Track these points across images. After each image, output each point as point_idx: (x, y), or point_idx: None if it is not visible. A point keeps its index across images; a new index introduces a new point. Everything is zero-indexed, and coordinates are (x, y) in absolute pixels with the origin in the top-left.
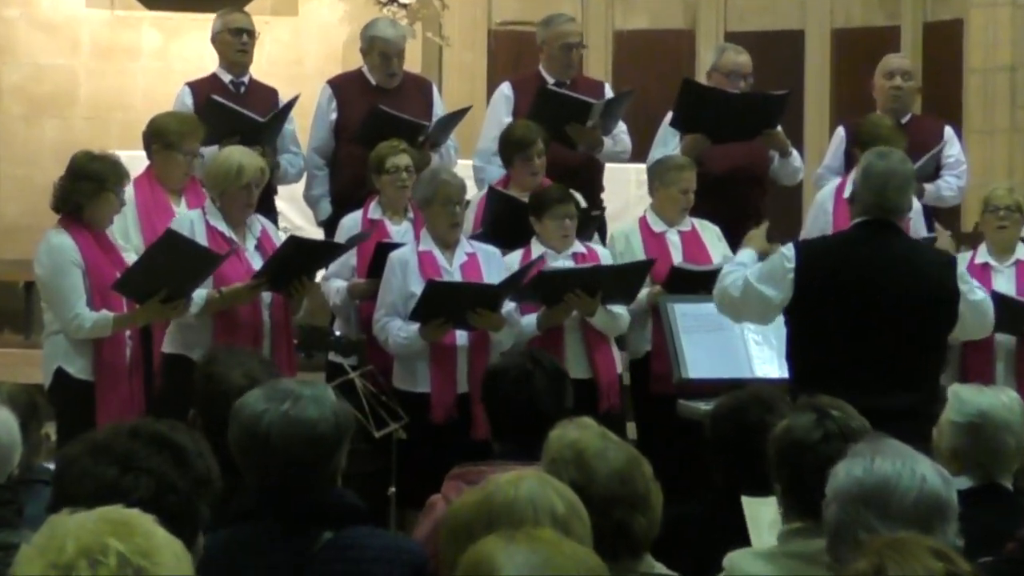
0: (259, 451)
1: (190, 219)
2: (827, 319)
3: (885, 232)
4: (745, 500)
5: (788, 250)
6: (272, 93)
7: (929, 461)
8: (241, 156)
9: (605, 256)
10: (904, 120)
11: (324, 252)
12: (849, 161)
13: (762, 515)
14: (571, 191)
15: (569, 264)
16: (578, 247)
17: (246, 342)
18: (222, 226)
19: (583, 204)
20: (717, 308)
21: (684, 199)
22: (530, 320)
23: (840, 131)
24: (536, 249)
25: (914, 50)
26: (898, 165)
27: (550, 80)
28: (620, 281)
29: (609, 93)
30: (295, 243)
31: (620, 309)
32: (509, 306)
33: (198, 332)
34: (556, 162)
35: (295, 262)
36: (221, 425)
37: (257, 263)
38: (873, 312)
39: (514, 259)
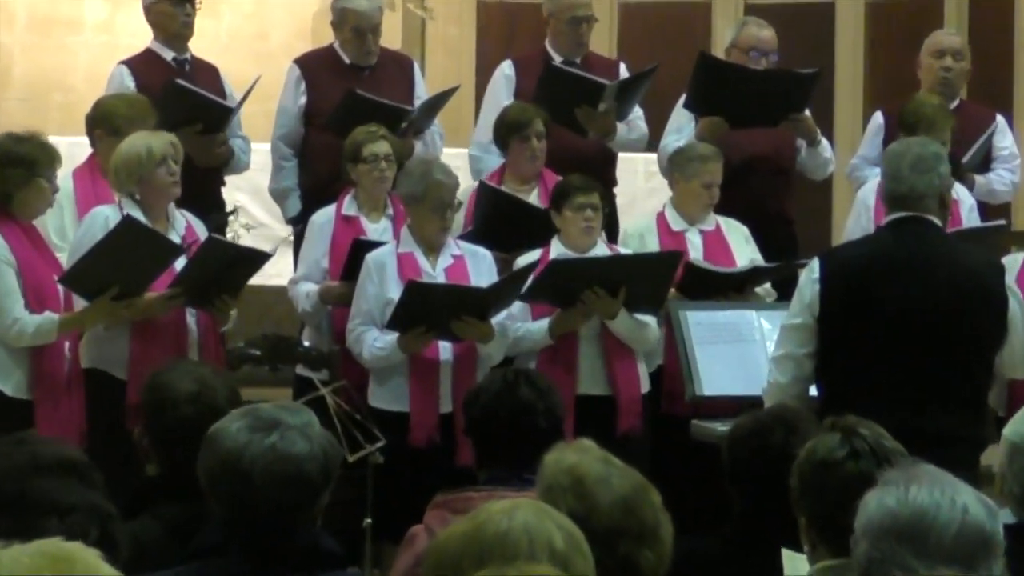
0: (237, 488)
1: (104, 215)
2: (857, 331)
3: (917, 230)
4: (786, 554)
5: (813, 262)
6: (214, 72)
7: (971, 489)
8: (145, 137)
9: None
10: (952, 106)
11: (249, 261)
12: None
13: (801, 571)
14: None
15: None
16: (602, 248)
17: (167, 353)
18: (143, 221)
19: None
20: (776, 395)
21: (708, 194)
22: (541, 326)
23: (878, 117)
24: (555, 249)
25: (959, 26)
26: (915, 145)
27: (557, 58)
28: (645, 277)
29: (625, 73)
30: (215, 247)
31: (647, 318)
32: (500, 316)
33: (112, 343)
34: (564, 151)
35: (218, 271)
36: (172, 439)
37: (181, 263)
38: (907, 322)
39: (532, 258)
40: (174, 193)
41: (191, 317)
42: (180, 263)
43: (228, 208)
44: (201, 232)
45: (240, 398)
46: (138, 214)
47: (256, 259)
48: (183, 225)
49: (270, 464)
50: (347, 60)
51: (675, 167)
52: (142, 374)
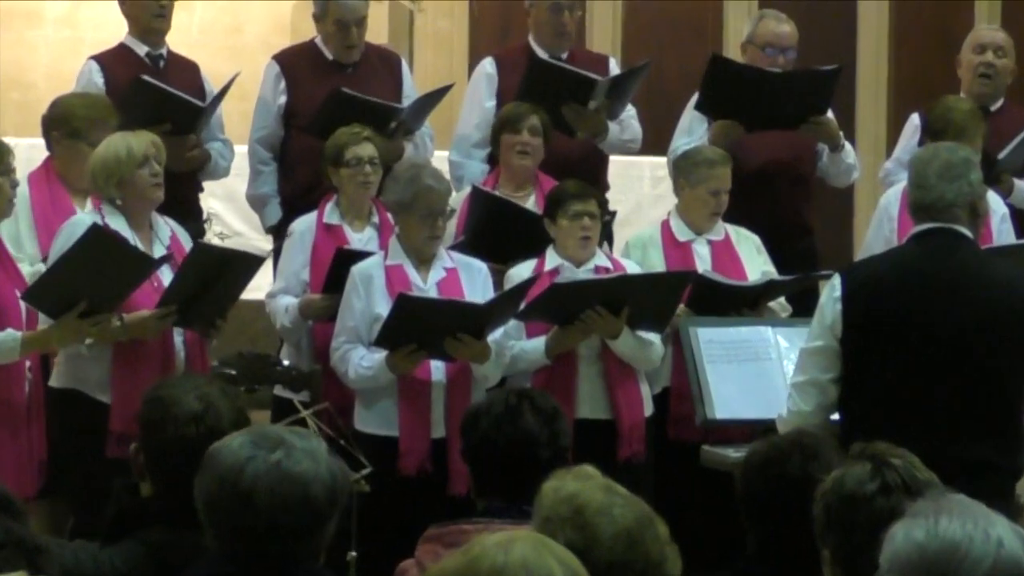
0: (236, 509)
1: (86, 224)
2: (882, 353)
3: (947, 243)
4: None
5: (835, 278)
6: (193, 69)
7: (1006, 521)
8: (124, 137)
9: (633, 271)
10: (994, 107)
11: (240, 268)
12: None
13: None
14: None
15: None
16: (601, 259)
17: (153, 374)
18: (125, 231)
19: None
20: (797, 424)
21: (715, 202)
22: (536, 345)
23: (915, 118)
24: (551, 260)
25: (991, 21)
26: (943, 151)
27: (542, 54)
28: (651, 296)
29: (615, 69)
30: (202, 253)
31: (651, 336)
32: (496, 333)
33: (92, 363)
34: (551, 152)
35: (207, 281)
36: (168, 459)
37: (168, 278)
38: (936, 342)
39: (524, 271)
40: (156, 197)
41: (178, 336)
42: (166, 276)
43: (204, 216)
44: (186, 242)
45: (247, 422)
46: (120, 222)
47: (248, 265)
48: (167, 234)
49: (274, 483)
50: (330, 56)
51: (680, 173)
52: (126, 397)
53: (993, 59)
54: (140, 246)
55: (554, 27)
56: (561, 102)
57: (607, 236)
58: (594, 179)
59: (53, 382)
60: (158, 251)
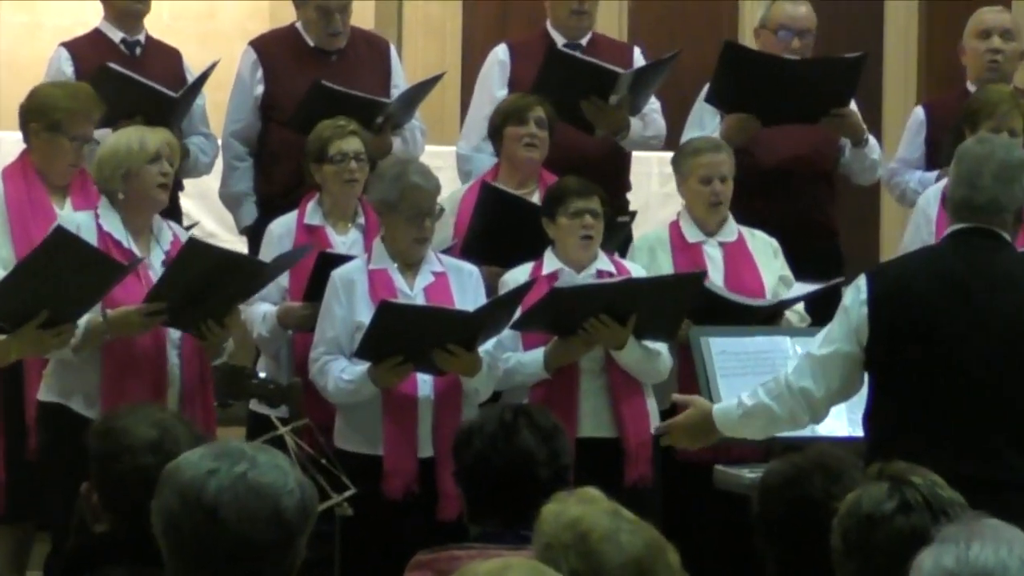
0: (201, 527)
1: (76, 223)
2: (913, 362)
3: (987, 244)
4: None
5: (860, 279)
6: (175, 57)
7: None
8: (138, 130)
9: (639, 275)
10: None
11: (240, 272)
12: (931, 151)
13: None
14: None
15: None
16: (603, 262)
17: (145, 390)
18: (119, 232)
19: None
20: (791, 424)
21: (708, 191)
22: (535, 357)
23: (919, 112)
24: (549, 263)
25: None
26: (1000, 149)
27: (560, 40)
28: (660, 302)
29: (640, 60)
30: (195, 250)
31: (659, 346)
32: (489, 344)
33: (79, 374)
34: (568, 150)
35: (202, 283)
36: (125, 492)
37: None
38: (969, 351)
39: (520, 275)
40: (160, 200)
41: (173, 348)
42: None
43: (184, 216)
44: None
45: None
46: (115, 222)
47: (247, 269)
48: (169, 239)
49: (240, 496)
50: (311, 43)
51: (674, 168)
52: None
53: (1001, 44)
54: (135, 249)
55: (567, 3)
56: (580, 96)
57: (624, 241)
58: (615, 179)
59: (41, 396)
60: (157, 256)
